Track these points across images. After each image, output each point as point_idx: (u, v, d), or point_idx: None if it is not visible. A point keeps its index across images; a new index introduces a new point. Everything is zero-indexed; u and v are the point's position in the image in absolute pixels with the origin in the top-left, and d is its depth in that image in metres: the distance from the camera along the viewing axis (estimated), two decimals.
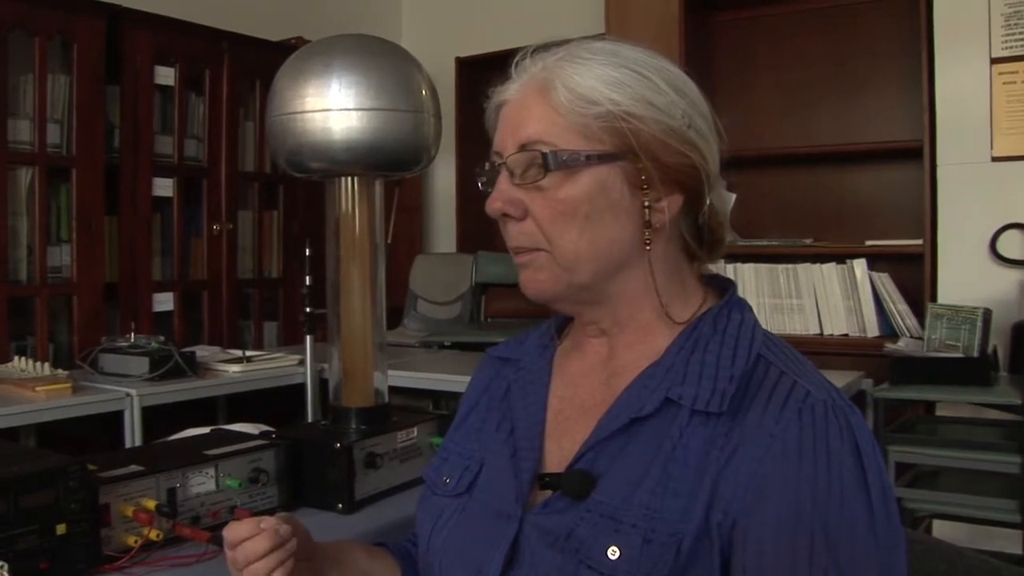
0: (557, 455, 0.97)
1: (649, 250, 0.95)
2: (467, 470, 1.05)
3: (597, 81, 0.93)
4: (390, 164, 1.67)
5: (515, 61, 1.00)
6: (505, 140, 0.97)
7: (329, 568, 1.08)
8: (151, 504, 1.34)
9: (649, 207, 0.94)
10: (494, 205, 0.96)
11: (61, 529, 1.22)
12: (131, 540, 1.31)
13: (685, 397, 0.89)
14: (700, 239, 1.00)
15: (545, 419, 1.01)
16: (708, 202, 0.96)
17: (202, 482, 1.44)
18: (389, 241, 1.86)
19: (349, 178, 1.71)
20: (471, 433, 1.10)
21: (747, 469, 0.84)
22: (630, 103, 0.93)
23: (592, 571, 0.85)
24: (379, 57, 1.64)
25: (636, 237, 0.95)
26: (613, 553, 0.85)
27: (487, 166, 1.00)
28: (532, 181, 0.94)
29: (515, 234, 0.96)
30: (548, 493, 0.93)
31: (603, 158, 0.93)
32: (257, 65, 3.93)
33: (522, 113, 0.96)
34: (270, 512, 1.54)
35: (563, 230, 0.93)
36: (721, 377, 0.90)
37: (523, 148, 0.94)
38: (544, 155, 0.92)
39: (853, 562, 0.81)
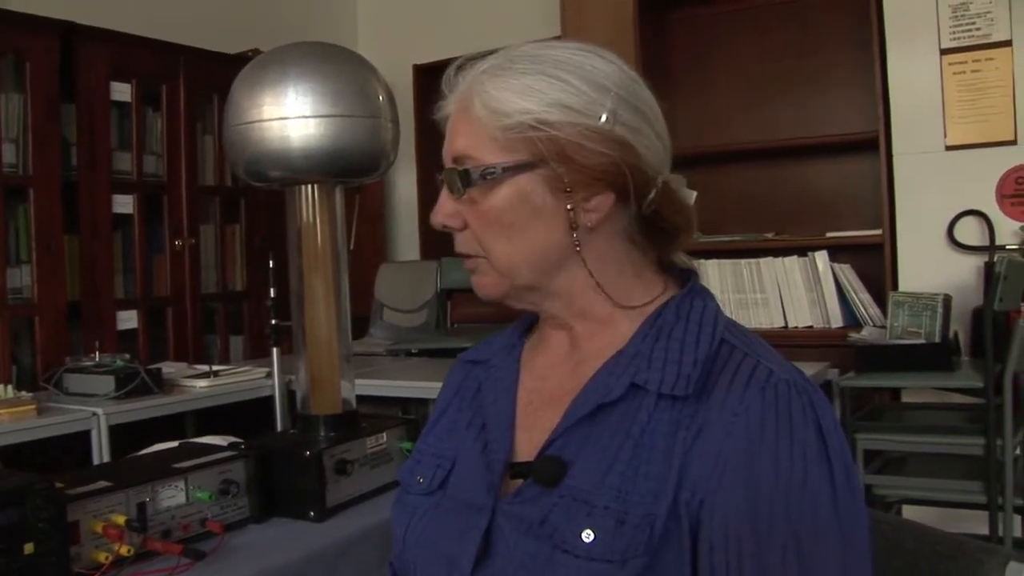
0: (527, 445, 0.98)
1: (579, 250, 0.96)
2: (439, 468, 1.05)
3: (510, 92, 0.94)
4: (349, 170, 1.67)
5: (444, 76, 1.01)
6: (445, 155, 1.00)
7: None
8: (121, 519, 1.33)
9: (573, 209, 0.94)
10: (435, 219, 1.00)
11: (29, 548, 1.20)
12: (102, 557, 1.30)
13: (651, 382, 0.90)
14: (651, 230, 0.99)
15: (515, 412, 1.02)
16: (652, 193, 0.96)
17: (172, 495, 1.44)
18: (351, 248, 1.86)
19: (309, 186, 1.71)
20: (443, 434, 1.10)
21: (712, 448, 0.85)
22: (542, 109, 0.92)
23: (567, 555, 0.86)
24: (335, 64, 1.64)
25: (566, 239, 0.96)
26: (588, 536, 0.86)
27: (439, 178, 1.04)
28: (460, 195, 0.97)
29: (459, 243, 1.01)
30: (520, 482, 0.94)
31: (519, 168, 0.94)
32: (214, 78, 3.91)
33: (452, 129, 0.99)
34: (241, 524, 1.54)
35: (494, 239, 0.97)
36: (685, 362, 0.91)
37: (454, 163, 0.98)
38: (461, 172, 0.95)
39: (815, 536, 0.82)
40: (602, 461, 0.89)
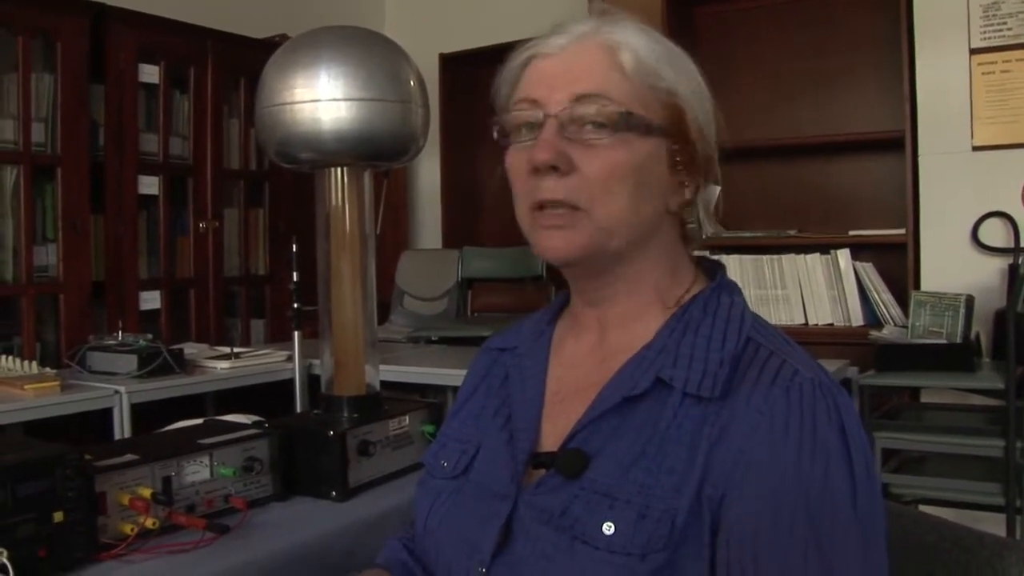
0: (552, 436, 0.98)
1: (662, 230, 0.98)
2: (464, 453, 1.06)
3: (659, 55, 0.95)
4: (379, 154, 1.68)
5: (556, 23, 0.99)
6: (552, 91, 0.94)
7: None
8: (147, 492, 1.35)
9: (678, 188, 0.98)
10: (542, 156, 0.91)
11: (58, 517, 1.22)
12: (128, 528, 1.32)
13: (676, 379, 0.90)
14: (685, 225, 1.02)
15: (543, 402, 1.02)
16: (719, 189, 1.00)
17: (197, 471, 1.45)
18: (378, 232, 1.87)
19: (339, 169, 1.72)
20: (468, 419, 1.11)
21: (736, 445, 0.85)
22: (684, 84, 0.96)
23: (587, 546, 0.86)
24: (367, 47, 1.65)
25: (660, 216, 0.97)
26: (608, 528, 0.86)
27: (513, 116, 0.98)
28: (593, 136, 0.92)
29: (554, 187, 0.93)
30: (542, 472, 0.94)
31: (664, 131, 0.94)
32: (241, 62, 3.94)
33: (580, 67, 0.94)
34: (264, 501, 1.56)
35: (612, 193, 0.92)
36: (711, 360, 0.91)
37: (581, 100, 0.92)
38: (622, 113, 0.92)
39: (833, 536, 0.82)
40: (627, 455, 0.90)
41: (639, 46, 0.95)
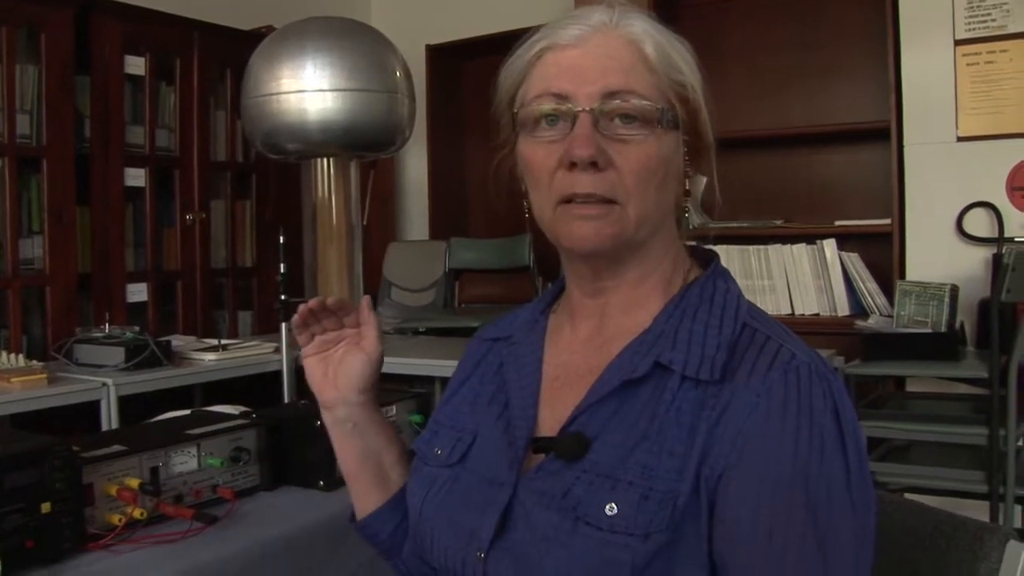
0: (550, 420, 0.98)
1: (671, 219, 1.01)
2: (459, 441, 1.05)
3: (676, 51, 0.97)
4: (365, 144, 1.68)
5: (590, 7, 0.98)
6: (580, 85, 0.93)
7: (377, 445, 1.15)
8: (134, 483, 1.35)
9: (688, 179, 1.00)
10: (584, 151, 0.91)
11: (46, 508, 1.23)
12: (115, 519, 1.33)
13: (675, 363, 0.91)
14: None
15: (539, 389, 1.02)
16: (704, 179, 1.02)
17: (184, 461, 1.46)
18: (365, 223, 1.88)
19: (325, 159, 1.72)
20: (463, 406, 1.10)
21: (734, 426, 0.86)
22: (696, 77, 0.97)
23: (590, 527, 0.87)
24: (353, 38, 1.65)
25: (672, 206, 1.00)
26: (611, 509, 0.86)
27: (534, 110, 0.95)
28: (626, 131, 0.92)
29: (590, 182, 0.92)
30: (541, 458, 0.94)
31: (684, 124, 0.97)
32: (227, 54, 3.92)
33: (607, 60, 0.94)
34: (251, 491, 1.56)
35: (645, 187, 0.93)
36: (709, 344, 0.92)
37: (613, 95, 0.92)
38: (654, 108, 0.93)
39: (829, 519, 0.83)
40: (628, 438, 0.90)
41: (659, 39, 0.96)
